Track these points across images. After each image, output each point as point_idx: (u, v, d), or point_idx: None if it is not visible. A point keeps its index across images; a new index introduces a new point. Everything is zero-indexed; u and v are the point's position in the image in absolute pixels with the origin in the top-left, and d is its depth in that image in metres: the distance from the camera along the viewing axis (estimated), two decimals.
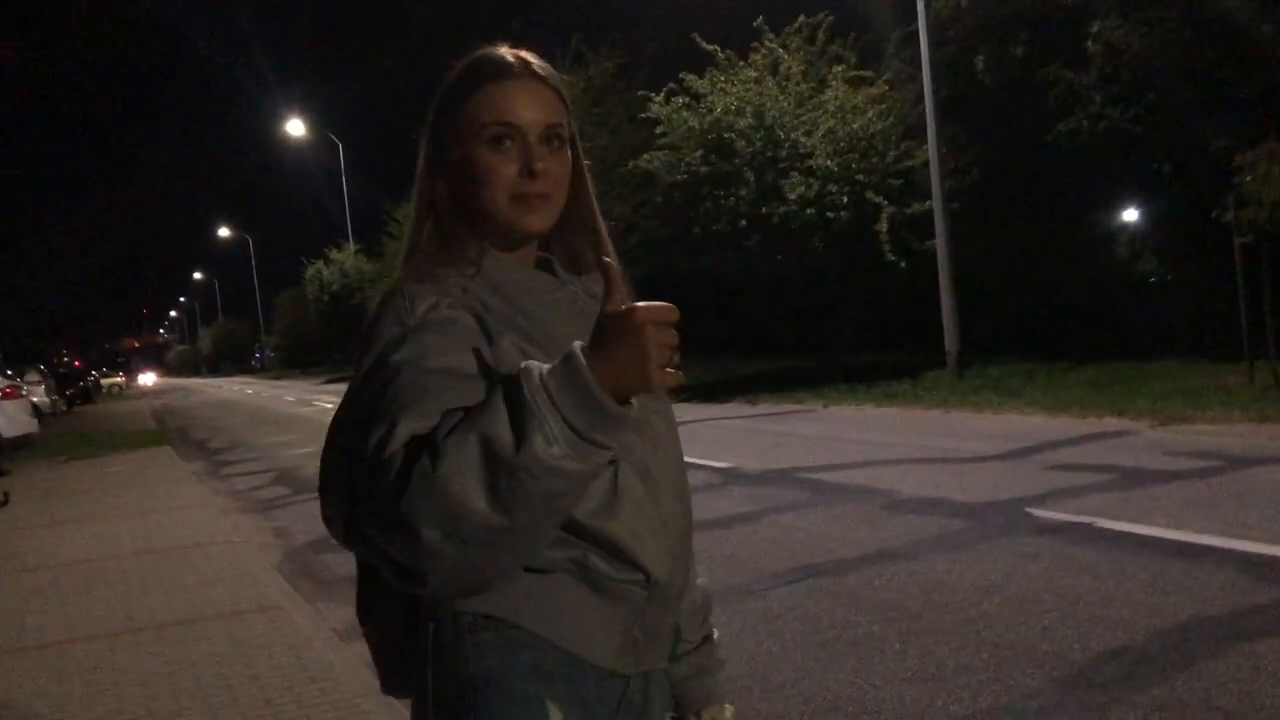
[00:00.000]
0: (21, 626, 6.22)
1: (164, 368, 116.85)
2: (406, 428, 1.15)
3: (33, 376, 22.98)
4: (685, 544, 1.43)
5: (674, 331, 1.12)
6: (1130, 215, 16.39)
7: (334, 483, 1.26)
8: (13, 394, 15.92)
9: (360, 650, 4.59)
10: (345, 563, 7.45)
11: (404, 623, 1.37)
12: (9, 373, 16.95)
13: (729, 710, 1.62)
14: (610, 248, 1.49)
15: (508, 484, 1.08)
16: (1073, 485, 7.54)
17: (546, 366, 1.13)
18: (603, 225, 1.50)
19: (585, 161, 1.47)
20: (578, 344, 1.13)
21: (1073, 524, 6.34)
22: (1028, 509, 6.86)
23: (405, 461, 1.12)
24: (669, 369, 1.12)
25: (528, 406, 1.09)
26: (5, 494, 9.49)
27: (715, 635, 1.62)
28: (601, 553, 1.29)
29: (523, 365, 1.14)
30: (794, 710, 3.93)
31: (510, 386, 1.12)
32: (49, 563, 8.14)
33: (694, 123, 18.18)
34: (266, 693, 4.57)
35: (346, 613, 6.07)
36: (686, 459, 1.50)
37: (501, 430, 1.09)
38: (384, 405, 1.19)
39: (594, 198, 1.49)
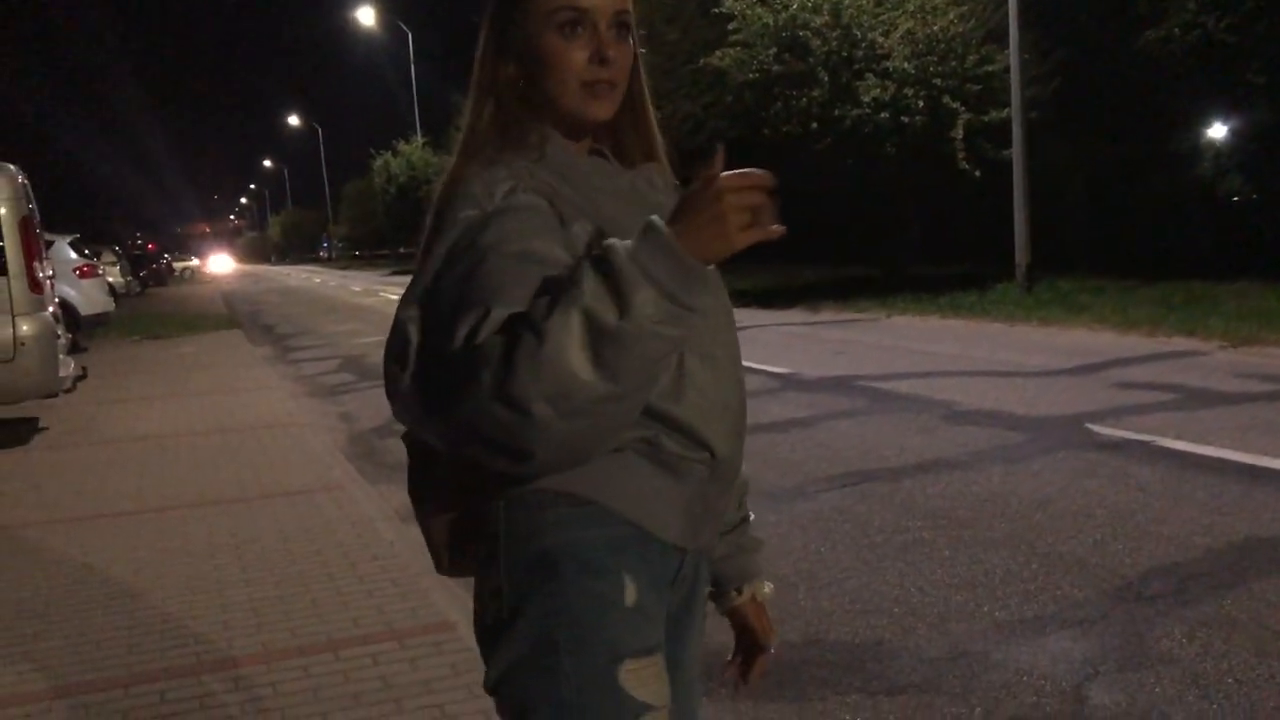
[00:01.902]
0: (99, 495, 6.48)
1: (234, 253, 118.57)
2: (501, 312, 1.19)
3: (108, 258, 23.44)
4: (743, 424, 1.46)
5: (759, 193, 1.16)
6: (1217, 131, 15.82)
7: (407, 369, 1.27)
8: (90, 273, 16.30)
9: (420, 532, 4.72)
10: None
11: (462, 504, 1.41)
12: (86, 252, 17.29)
13: (767, 586, 1.67)
14: (660, 143, 1.49)
15: (614, 352, 1.14)
16: (1136, 403, 7.46)
17: (628, 242, 1.17)
18: (654, 118, 1.50)
19: (641, 51, 1.46)
20: (654, 217, 1.17)
21: (1133, 441, 6.29)
22: (1088, 425, 6.80)
23: (507, 345, 1.15)
24: (753, 229, 1.16)
25: (623, 275, 1.14)
26: (84, 368, 9.79)
27: (751, 517, 1.67)
28: (671, 432, 1.34)
29: (605, 243, 1.18)
30: (839, 608, 4.00)
31: (600, 262, 1.16)
32: (124, 436, 8.44)
33: (768, 19, 17.74)
34: (329, 568, 4.74)
35: (406, 495, 6.23)
36: (745, 364, 1.53)
37: (601, 303, 1.14)
38: (473, 290, 1.22)
39: (647, 90, 1.49)
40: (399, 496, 6.20)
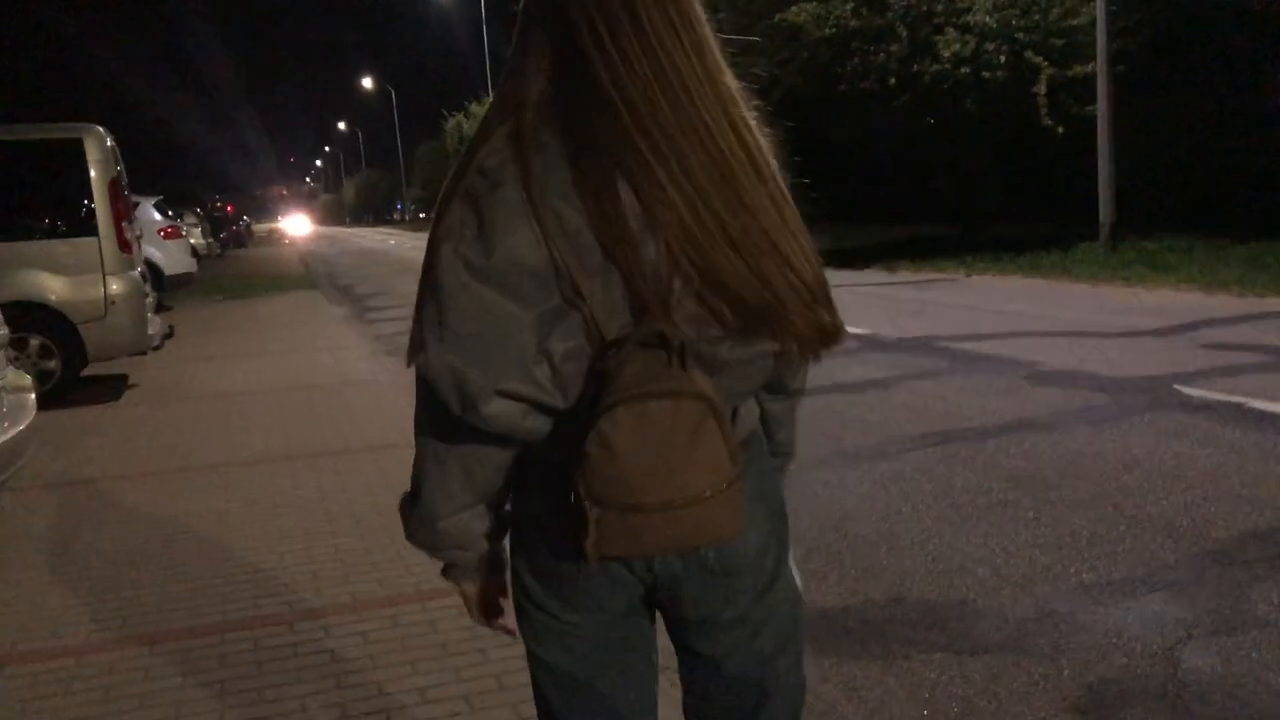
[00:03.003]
0: (188, 449, 6.65)
1: (311, 215, 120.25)
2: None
3: (190, 219, 23.90)
4: None
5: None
6: None
7: None
8: (174, 234, 16.64)
9: None
10: None
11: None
12: (170, 213, 17.66)
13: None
14: None
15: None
16: (1226, 364, 7.26)
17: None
18: None
19: (719, 14, 1.39)
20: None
21: (1223, 403, 6.12)
22: (1176, 386, 6.63)
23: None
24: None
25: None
26: (171, 327, 10.04)
27: None
28: None
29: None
30: (921, 568, 3.97)
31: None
32: (210, 393, 8.64)
33: None
34: None
35: None
36: None
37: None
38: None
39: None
40: None
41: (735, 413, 1.39)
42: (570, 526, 1.24)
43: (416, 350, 1.27)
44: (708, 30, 1.33)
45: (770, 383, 1.43)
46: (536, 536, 1.39)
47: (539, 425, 1.29)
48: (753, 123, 1.33)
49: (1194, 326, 9.05)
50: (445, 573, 1.49)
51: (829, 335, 1.39)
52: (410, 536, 1.44)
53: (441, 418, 1.30)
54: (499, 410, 1.25)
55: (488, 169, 1.25)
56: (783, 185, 1.34)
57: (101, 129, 8.56)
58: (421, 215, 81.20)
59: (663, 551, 1.29)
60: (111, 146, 8.53)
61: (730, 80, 1.32)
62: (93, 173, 8.26)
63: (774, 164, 1.33)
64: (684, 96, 1.26)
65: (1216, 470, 4.88)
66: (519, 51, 1.34)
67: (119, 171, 8.56)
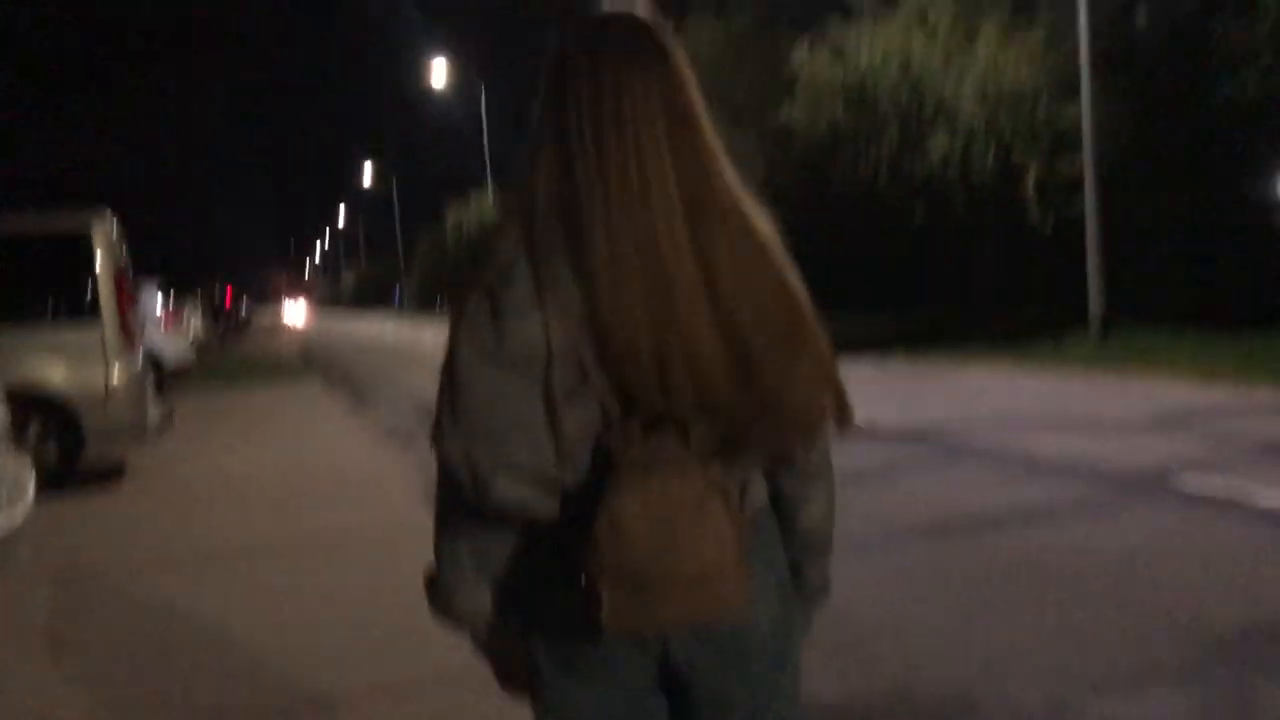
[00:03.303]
0: (187, 538, 6.63)
1: (309, 302, 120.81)
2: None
3: (190, 306, 24.05)
4: None
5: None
6: None
7: None
8: (174, 320, 16.77)
9: None
10: None
11: None
12: (171, 300, 17.79)
13: None
14: None
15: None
16: (1224, 456, 7.29)
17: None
18: None
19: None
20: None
21: (1223, 495, 6.15)
22: (1175, 478, 6.66)
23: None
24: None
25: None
26: (171, 413, 10.06)
27: None
28: None
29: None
30: (928, 660, 3.95)
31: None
32: (210, 481, 8.64)
33: (836, 74, 17.84)
34: (414, 613, 4.77)
35: None
36: None
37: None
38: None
39: None
40: None
41: (745, 489, 1.44)
42: (580, 603, 1.28)
43: (434, 435, 1.36)
44: (706, 135, 1.41)
45: (780, 461, 1.48)
46: (548, 614, 1.42)
47: (548, 504, 1.35)
48: (749, 223, 1.40)
49: (1188, 418, 9.10)
50: (473, 643, 1.54)
51: (813, 420, 1.46)
52: (432, 610, 1.50)
53: (456, 498, 1.39)
54: (508, 491, 1.33)
55: (501, 263, 1.35)
56: (780, 278, 1.41)
57: (109, 214, 8.68)
58: (424, 304, 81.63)
59: (673, 628, 1.34)
60: (118, 233, 8.65)
61: (727, 182, 1.40)
62: (99, 260, 8.36)
63: (763, 260, 1.39)
64: (638, 204, 1.33)
65: (1219, 563, 4.89)
66: (532, 149, 1.44)
67: (124, 258, 8.67)
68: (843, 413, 1.48)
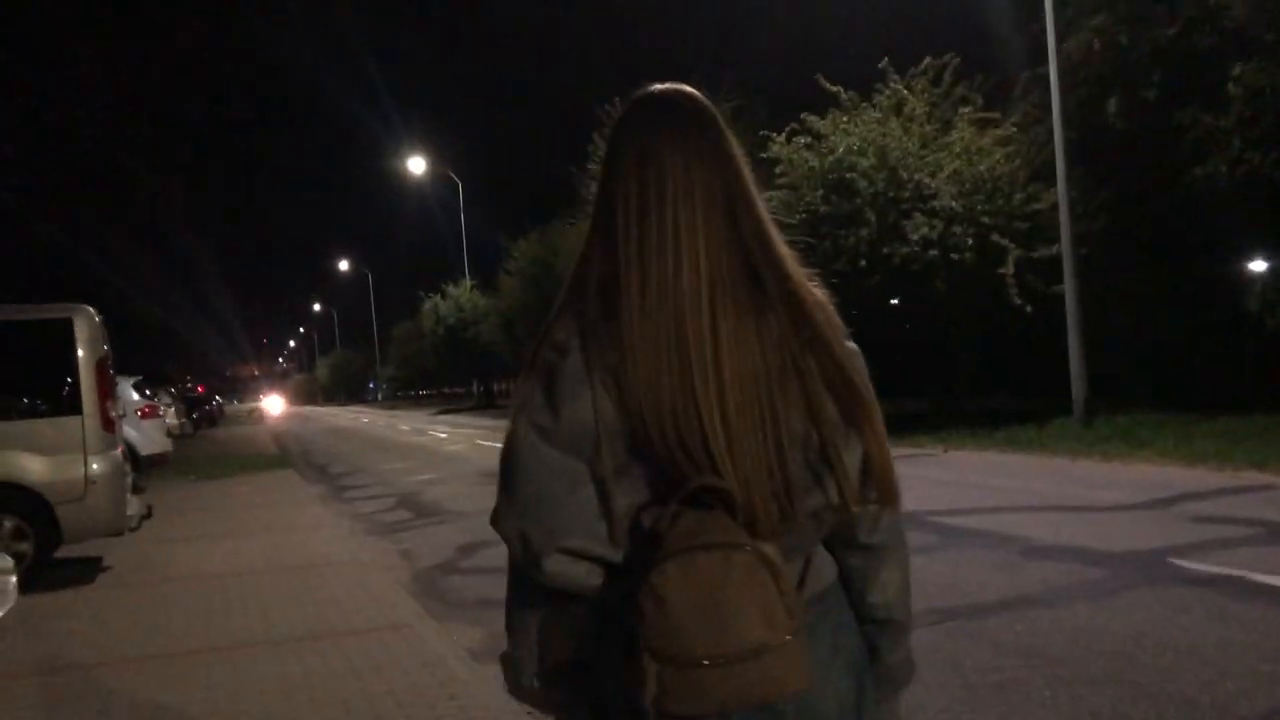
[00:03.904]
0: (168, 634, 6.43)
1: (283, 395, 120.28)
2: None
3: (164, 399, 23.83)
4: None
5: None
6: (1258, 266, 15.83)
7: None
8: (151, 413, 16.56)
9: (496, 669, 4.63)
10: (472, 586, 7.55)
11: None
12: (148, 393, 17.61)
13: None
14: None
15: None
16: (1219, 538, 7.25)
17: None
18: None
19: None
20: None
21: (1224, 576, 6.09)
22: (1172, 559, 6.61)
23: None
24: None
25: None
26: (149, 507, 9.86)
27: None
28: None
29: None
30: None
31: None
32: (188, 575, 8.42)
33: (815, 162, 18.10)
34: (405, 709, 4.64)
35: (477, 633, 6.14)
36: None
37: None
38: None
39: None
40: (469, 634, 6.12)
41: (808, 564, 1.42)
42: (634, 683, 1.26)
43: (494, 514, 1.39)
44: (755, 211, 1.42)
45: (840, 535, 1.45)
46: (614, 694, 1.38)
47: (601, 581, 1.36)
48: (803, 301, 1.40)
49: (1177, 500, 9.07)
50: None
51: (887, 494, 1.41)
52: (507, 688, 1.50)
53: (520, 579, 1.41)
54: (561, 568, 1.34)
55: (558, 343, 1.38)
56: (836, 356, 1.41)
57: (91, 309, 8.59)
58: (404, 394, 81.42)
59: (726, 708, 1.28)
60: (100, 326, 8.56)
61: (780, 258, 1.41)
62: (81, 352, 8.25)
63: (817, 339, 1.39)
64: (670, 286, 1.35)
65: (1231, 645, 4.80)
66: (589, 232, 1.47)
67: (106, 351, 8.56)
68: (889, 490, 1.43)
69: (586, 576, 1.35)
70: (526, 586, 1.41)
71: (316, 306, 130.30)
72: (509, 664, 1.47)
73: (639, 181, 1.40)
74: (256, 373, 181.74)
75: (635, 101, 1.48)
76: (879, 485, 1.41)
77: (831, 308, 1.45)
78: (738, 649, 1.24)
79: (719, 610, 1.24)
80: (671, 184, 1.39)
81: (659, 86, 1.49)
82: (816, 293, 1.43)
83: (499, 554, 1.53)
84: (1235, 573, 6.13)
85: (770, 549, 1.29)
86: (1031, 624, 5.40)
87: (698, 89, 1.51)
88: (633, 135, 1.44)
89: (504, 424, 1.44)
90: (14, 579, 4.91)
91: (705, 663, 1.24)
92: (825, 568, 1.46)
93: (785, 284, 1.41)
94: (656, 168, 1.39)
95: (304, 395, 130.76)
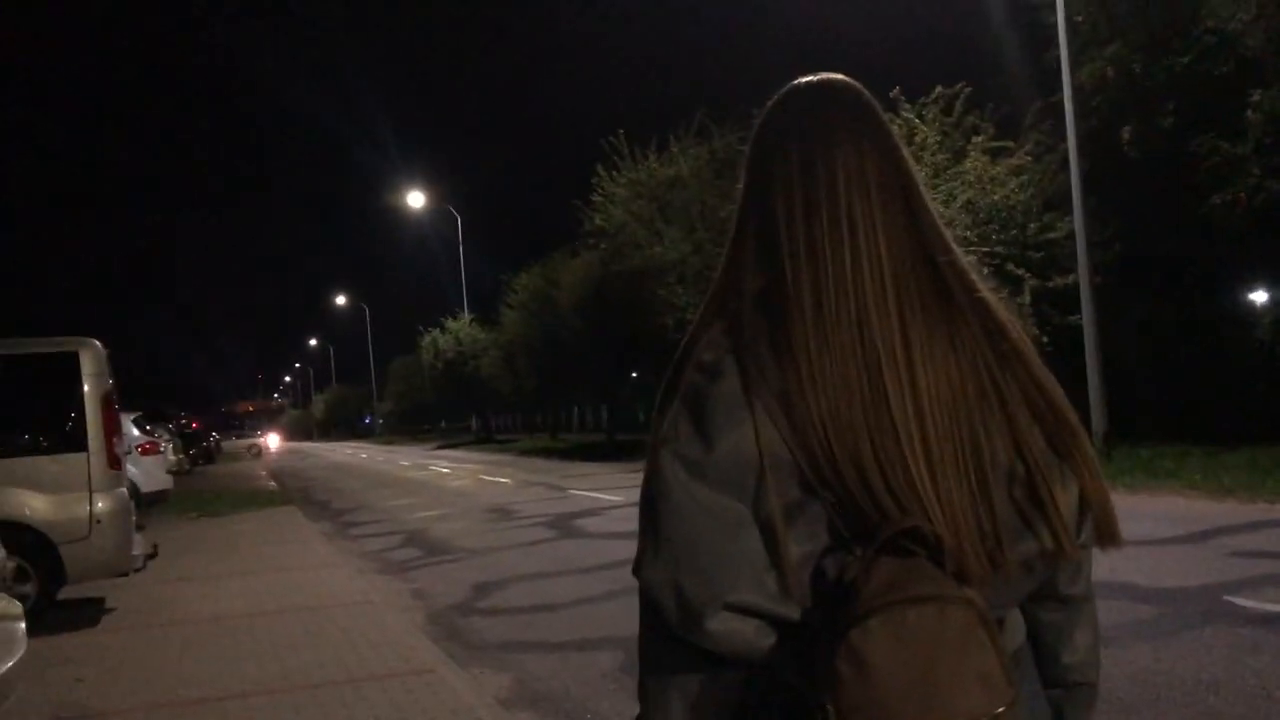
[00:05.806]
0: (176, 680, 6.14)
1: (280, 431, 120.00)
2: None
3: (164, 435, 23.57)
4: None
5: None
6: (1259, 296, 15.70)
7: None
8: (151, 450, 16.27)
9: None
10: (494, 628, 7.26)
11: None
12: (149, 429, 17.34)
13: None
14: None
15: None
16: (1267, 573, 6.99)
17: None
18: None
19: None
20: None
21: None
22: (1227, 597, 6.34)
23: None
24: None
25: None
26: (155, 546, 9.55)
27: None
28: None
29: None
30: None
31: None
32: (195, 617, 8.12)
33: None
34: None
35: (505, 679, 5.86)
36: None
37: None
38: None
39: None
40: (496, 681, 5.83)
41: (1001, 624, 1.21)
42: None
43: (636, 563, 1.17)
44: (930, 210, 1.26)
45: (1041, 587, 1.25)
46: None
47: (773, 643, 1.12)
48: (993, 311, 1.21)
49: (1212, 534, 8.82)
50: None
51: (1108, 533, 1.22)
52: None
53: (661, 640, 1.17)
54: (726, 627, 1.11)
55: (706, 364, 1.18)
56: (1036, 374, 1.22)
57: (97, 343, 8.32)
58: (393, 429, 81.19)
59: None
60: (106, 360, 8.29)
61: (962, 267, 1.23)
62: (86, 387, 7.98)
63: (1015, 353, 1.20)
64: (851, 289, 1.17)
65: None
66: (735, 239, 1.30)
67: (111, 386, 8.29)
68: (1110, 531, 1.23)
69: (757, 637, 1.12)
70: (667, 650, 1.17)
71: (313, 341, 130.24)
72: None
73: (804, 172, 1.22)
74: (251, 408, 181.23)
75: (788, 92, 1.32)
76: (1099, 525, 1.22)
77: (1020, 325, 1.24)
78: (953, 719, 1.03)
79: (933, 675, 1.03)
80: (843, 172, 1.21)
81: (808, 77, 1.32)
82: (1006, 308, 1.24)
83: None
84: None
85: (982, 600, 1.07)
86: None
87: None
88: (791, 125, 1.28)
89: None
90: (23, 625, 4.63)
91: None
92: (1017, 625, 1.27)
93: (973, 291, 1.21)
94: (825, 156, 1.22)
95: (300, 431, 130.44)
